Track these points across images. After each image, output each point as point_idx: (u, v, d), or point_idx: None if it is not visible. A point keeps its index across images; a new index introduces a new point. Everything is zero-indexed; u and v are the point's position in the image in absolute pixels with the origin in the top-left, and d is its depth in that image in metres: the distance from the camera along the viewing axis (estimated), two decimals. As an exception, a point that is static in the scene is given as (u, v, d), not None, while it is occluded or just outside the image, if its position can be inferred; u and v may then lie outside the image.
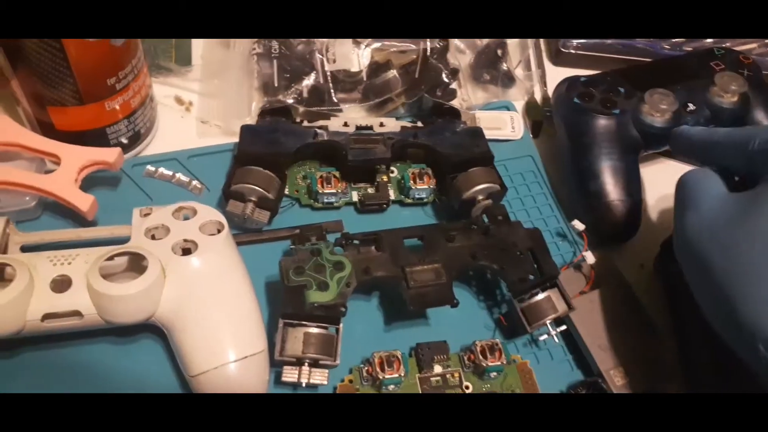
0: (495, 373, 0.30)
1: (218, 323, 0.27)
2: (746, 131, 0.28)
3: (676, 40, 0.45)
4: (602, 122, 0.36)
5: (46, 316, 0.26)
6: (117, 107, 0.33)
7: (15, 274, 0.25)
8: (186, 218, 0.30)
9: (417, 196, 0.36)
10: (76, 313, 0.26)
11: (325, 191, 0.34)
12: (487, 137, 0.37)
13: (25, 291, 0.25)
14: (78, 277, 0.26)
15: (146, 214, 0.30)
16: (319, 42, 0.39)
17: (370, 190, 0.36)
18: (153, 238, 0.29)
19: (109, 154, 0.32)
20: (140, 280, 0.26)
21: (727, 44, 0.43)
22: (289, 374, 0.27)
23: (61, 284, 0.26)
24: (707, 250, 0.25)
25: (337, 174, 0.35)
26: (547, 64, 0.46)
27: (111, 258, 0.28)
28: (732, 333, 0.24)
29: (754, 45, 0.45)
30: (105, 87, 0.32)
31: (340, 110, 0.38)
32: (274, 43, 0.39)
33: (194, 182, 0.35)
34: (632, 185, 0.35)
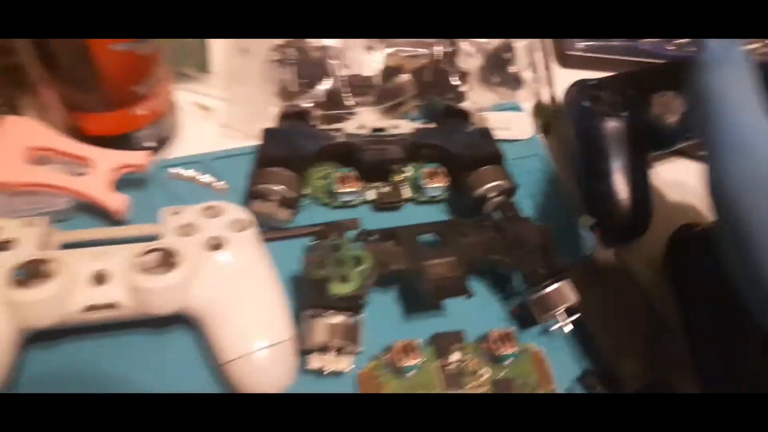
0: (509, 360, 0.31)
1: (247, 313, 0.29)
2: None
3: (680, 41, 0.46)
4: (611, 125, 0.37)
5: (87, 308, 0.27)
6: (142, 113, 0.35)
7: (58, 269, 0.27)
8: (214, 217, 0.31)
9: (431, 194, 0.37)
10: (115, 305, 0.28)
11: (343, 190, 0.36)
12: (496, 137, 0.38)
13: (67, 284, 0.27)
14: (116, 272, 0.28)
15: (176, 213, 0.31)
16: (334, 49, 0.41)
17: (386, 189, 0.37)
18: (183, 235, 0.30)
19: (139, 157, 0.34)
20: (174, 273, 0.28)
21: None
22: (315, 362, 0.29)
23: (101, 278, 0.28)
24: (761, 206, 0.22)
25: (354, 174, 0.37)
26: (554, 67, 0.47)
27: (145, 254, 0.29)
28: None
29: (758, 45, 0.46)
30: (131, 94, 0.33)
31: (355, 113, 0.40)
32: (291, 50, 0.40)
33: (218, 183, 0.37)
34: (641, 186, 0.36)
